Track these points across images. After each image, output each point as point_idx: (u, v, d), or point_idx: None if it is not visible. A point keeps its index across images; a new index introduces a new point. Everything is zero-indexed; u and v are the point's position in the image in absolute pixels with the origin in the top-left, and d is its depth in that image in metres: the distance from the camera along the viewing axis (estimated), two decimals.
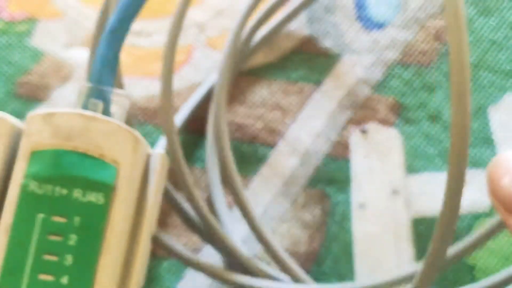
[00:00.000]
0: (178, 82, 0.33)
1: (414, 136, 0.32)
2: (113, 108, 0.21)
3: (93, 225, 0.18)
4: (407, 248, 0.30)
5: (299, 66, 0.33)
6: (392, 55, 0.34)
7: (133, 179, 0.19)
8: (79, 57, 0.34)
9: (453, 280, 0.29)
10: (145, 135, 0.32)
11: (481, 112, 0.32)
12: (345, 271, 0.29)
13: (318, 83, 0.33)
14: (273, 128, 0.32)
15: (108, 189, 0.19)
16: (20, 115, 0.32)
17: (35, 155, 0.19)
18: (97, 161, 0.19)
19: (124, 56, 0.34)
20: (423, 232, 0.30)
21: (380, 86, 0.33)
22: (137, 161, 0.19)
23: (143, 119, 0.32)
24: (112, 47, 0.21)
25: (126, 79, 0.33)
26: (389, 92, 0.33)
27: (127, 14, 0.21)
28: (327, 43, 0.34)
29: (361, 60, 0.34)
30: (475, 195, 0.31)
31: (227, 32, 0.34)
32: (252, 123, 0.32)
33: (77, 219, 0.18)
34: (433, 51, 0.34)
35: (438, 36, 0.34)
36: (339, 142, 0.32)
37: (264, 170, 0.32)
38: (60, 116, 0.19)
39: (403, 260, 0.30)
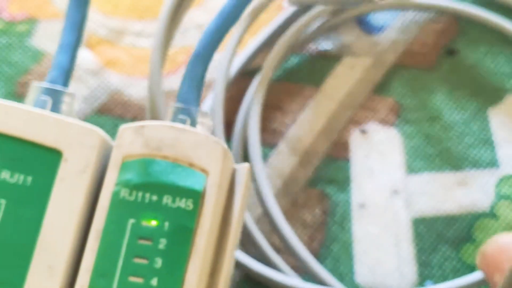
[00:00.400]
0: (178, 82, 0.33)
1: (414, 136, 0.32)
2: (198, 127, 0.22)
3: (183, 229, 0.19)
4: (407, 248, 0.30)
5: (299, 67, 0.33)
6: (392, 56, 0.34)
7: (221, 187, 0.20)
8: (79, 57, 0.34)
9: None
10: None
11: (481, 113, 0.32)
12: (345, 271, 0.29)
13: (318, 84, 0.33)
14: (273, 128, 0.32)
15: (197, 196, 0.19)
16: None
17: (126, 164, 0.19)
18: (187, 169, 0.19)
19: (124, 56, 0.34)
20: (423, 232, 0.30)
21: (380, 87, 0.33)
22: (225, 170, 0.20)
23: (143, 119, 0.32)
24: (198, 70, 0.22)
25: (127, 79, 0.33)
26: (389, 93, 0.33)
27: (212, 40, 0.22)
28: (327, 45, 0.34)
29: (361, 62, 0.34)
30: (475, 195, 0.31)
31: (227, 34, 0.34)
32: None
33: (166, 224, 0.19)
34: (433, 53, 0.34)
35: (437, 38, 0.34)
36: (339, 142, 0.32)
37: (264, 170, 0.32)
38: (151, 128, 0.20)
39: (403, 260, 0.30)
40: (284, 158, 0.32)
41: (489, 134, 0.32)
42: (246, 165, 0.21)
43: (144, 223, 0.19)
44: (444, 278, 0.29)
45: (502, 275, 0.18)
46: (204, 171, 0.19)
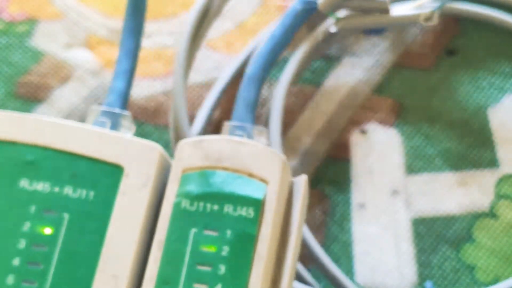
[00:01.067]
0: None
1: (414, 136, 0.32)
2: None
3: (245, 236, 0.19)
4: (407, 248, 0.30)
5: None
6: (392, 57, 0.34)
7: (281, 196, 0.20)
8: (79, 57, 0.34)
9: (453, 280, 0.29)
10: (145, 135, 0.32)
11: (481, 113, 0.32)
12: (345, 271, 0.29)
13: (318, 84, 0.33)
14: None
15: (258, 204, 0.20)
16: None
17: (186, 176, 0.20)
18: (247, 179, 0.20)
19: None
20: (423, 232, 0.30)
21: (380, 87, 0.33)
22: (283, 180, 0.20)
23: (143, 119, 0.32)
24: (251, 91, 0.23)
25: None
26: (389, 93, 0.33)
27: (264, 63, 0.23)
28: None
29: (360, 62, 0.34)
30: (475, 195, 0.31)
31: (227, 34, 0.34)
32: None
33: (228, 232, 0.19)
34: (433, 53, 0.34)
35: (437, 38, 0.34)
36: (339, 142, 0.32)
37: None
38: (210, 142, 0.20)
39: (403, 260, 0.30)
40: None
41: (489, 134, 0.32)
42: (304, 177, 0.21)
43: (206, 231, 0.19)
44: (444, 278, 0.29)
45: None
46: (263, 180, 0.20)
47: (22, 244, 0.20)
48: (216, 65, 0.34)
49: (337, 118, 0.32)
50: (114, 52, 0.34)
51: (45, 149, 0.21)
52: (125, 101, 0.24)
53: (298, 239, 0.21)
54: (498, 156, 0.32)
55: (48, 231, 0.20)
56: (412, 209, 0.31)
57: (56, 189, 0.20)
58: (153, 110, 0.33)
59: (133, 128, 0.24)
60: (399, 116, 0.32)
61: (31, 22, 0.34)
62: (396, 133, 0.32)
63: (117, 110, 0.23)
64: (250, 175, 0.20)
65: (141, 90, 0.33)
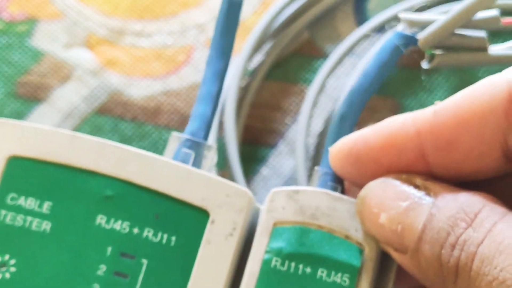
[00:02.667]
0: (178, 82, 0.33)
1: None
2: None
3: None
4: None
5: (299, 68, 0.33)
6: None
7: (377, 263, 0.19)
8: (79, 57, 0.34)
9: None
10: (145, 135, 0.32)
11: None
12: None
13: (318, 84, 0.33)
14: (273, 128, 0.32)
15: (354, 271, 0.18)
16: (20, 115, 0.32)
17: (277, 230, 0.19)
18: (343, 242, 0.18)
19: (124, 56, 0.34)
20: None
21: (380, 87, 0.33)
22: (378, 244, 0.19)
23: (143, 119, 0.32)
24: (342, 133, 0.21)
25: (126, 79, 0.33)
26: (389, 93, 0.33)
27: (358, 102, 0.22)
28: (326, 46, 0.34)
29: (360, 62, 0.34)
30: None
31: None
32: (253, 124, 0.32)
33: None
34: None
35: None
36: None
37: (264, 170, 0.32)
38: (306, 194, 0.19)
39: None
40: (284, 158, 0.32)
41: None
42: None
43: None
44: None
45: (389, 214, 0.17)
46: (360, 244, 0.19)
47: None
48: None
49: None
50: (114, 52, 0.34)
51: (127, 183, 0.19)
52: (209, 129, 0.22)
53: None
54: None
55: (124, 278, 0.18)
56: None
57: (136, 230, 0.18)
58: (153, 110, 0.33)
59: (215, 159, 0.22)
60: None
61: (31, 22, 0.34)
62: None
63: (201, 140, 0.21)
64: (347, 237, 0.19)
65: (141, 90, 0.33)
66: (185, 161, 0.20)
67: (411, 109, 0.33)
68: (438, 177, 0.18)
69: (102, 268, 0.18)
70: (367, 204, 0.18)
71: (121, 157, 0.19)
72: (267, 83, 0.33)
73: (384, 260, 0.19)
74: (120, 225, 0.18)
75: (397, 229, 0.17)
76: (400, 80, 0.33)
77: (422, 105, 0.33)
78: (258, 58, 0.33)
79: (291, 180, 0.31)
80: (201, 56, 0.34)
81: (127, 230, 0.18)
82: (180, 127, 0.32)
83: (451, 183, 0.18)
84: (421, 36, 0.24)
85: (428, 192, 0.17)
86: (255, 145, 0.32)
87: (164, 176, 0.19)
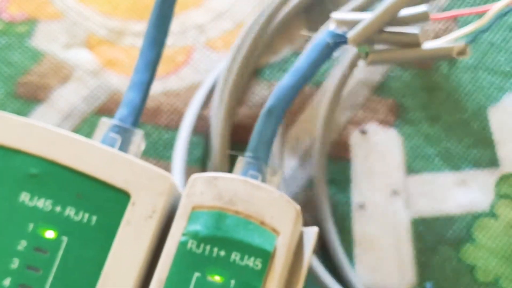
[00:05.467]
0: (178, 83, 0.33)
1: (414, 136, 0.32)
2: (267, 184, 0.21)
3: None
4: (407, 248, 0.30)
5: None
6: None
7: (290, 249, 0.19)
8: (79, 57, 0.34)
9: (453, 280, 0.29)
10: (145, 135, 0.32)
11: (481, 112, 0.32)
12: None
13: (317, 84, 0.33)
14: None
15: (267, 256, 0.19)
16: (20, 115, 0.32)
17: (195, 214, 0.19)
18: (258, 228, 0.19)
19: (124, 57, 0.34)
20: (423, 232, 0.30)
21: (380, 87, 0.33)
22: (296, 232, 0.19)
23: (142, 119, 0.32)
24: (269, 126, 0.22)
25: (126, 79, 0.33)
26: (389, 93, 0.33)
27: (285, 97, 0.22)
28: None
29: (361, 62, 0.34)
30: (474, 195, 0.31)
31: (227, 34, 0.34)
32: (252, 124, 0.32)
33: (232, 282, 0.18)
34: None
35: (437, 38, 0.34)
36: (339, 143, 0.32)
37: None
38: (225, 181, 0.19)
39: (403, 261, 0.30)
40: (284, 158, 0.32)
41: (489, 134, 0.32)
42: (315, 229, 0.20)
43: (210, 278, 0.18)
44: (444, 278, 0.29)
45: None
46: (275, 231, 0.19)
47: (15, 264, 0.18)
48: (216, 65, 0.34)
49: (337, 118, 0.32)
50: (114, 52, 0.34)
51: (52, 163, 0.19)
52: (138, 116, 0.23)
53: None
54: (498, 155, 0.32)
55: (44, 253, 0.18)
56: (412, 209, 0.31)
57: (58, 209, 0.19)
58: (153, 110, 0.33)
59: (143, 146, 0.23)
60: (399, 116, 0.32)
61: (31, 22, 0.34)
62: (396, 133, 0.32)
63: (129, 126, 0.22)
64: (262, 223, 0.19)
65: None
66: (111, 145, 0.21)
67: (411, 109, 0.33)
68: None
69: (23, 243, 0.18)
70: None
71: (47, 137, 0.19)
72: (267, 83, 0.33)
73: (298, 251, 0.20)
74: (43, 203, 0.19)
75: None
76: (400, 80, 0.33)
77: (422, 106, 0.33)
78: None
79: (291, 180, 0.31)
80: (201, 56, 0.34)
81: (49, 208, 0.19)
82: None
83: None
84: (350, 34, 0.24)
85: None
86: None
87: (89, 157, 0.19)
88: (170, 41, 0.34)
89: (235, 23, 0.35)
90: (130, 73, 0.33)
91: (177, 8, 0.35)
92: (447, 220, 0.30)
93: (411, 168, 0.31)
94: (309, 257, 0.20)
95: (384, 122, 0.32)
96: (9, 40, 0.34)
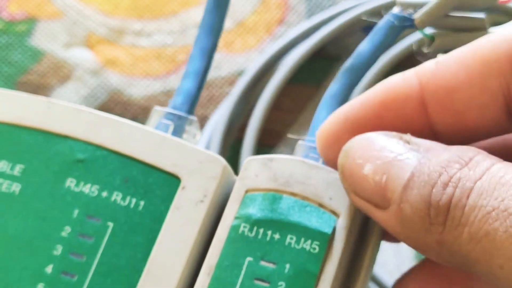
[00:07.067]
0: (178, 82, 0.33)
1: None
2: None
3: (305, 274, 0.17)
4: (407, 248, 0.30)
5: (299, 67, 0.33)
6: (392, 57, 0.34)
7: (351, 232, 0.18)
8: (79, 57, 0.34)
9: None
10: None
11: None
12: None
13: (318, 84, 0.33)
14: (273, 128, 0.32)
15: (325, 238, 0.17)
16: None
17: (249, 197, 0.18)
18: (315, 209, 0.18)
19: (124, 56, 0.34)
20: None
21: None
22: (357, 214, 0.18)
23: (143, 118, 0.32)
24: (330, 111, 0.20)
25: (126, 79, 0.33)
26: None
27: (349, 81, 0.21)
28: (327, 46, 0.34)
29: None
30: None
31: (227, 33, 0.34)
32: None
33: (287, 266, 0.17)
34: (433, 54, 0.34)
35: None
36: None
37: None
38: (281, 162, 0.18)
39: (403, 260, 0.30)
40: None
41: None
42: None
43: (263, 262, 0.17)
44: None
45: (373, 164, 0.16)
46: (334, 213, 0.18)
47: (58, 250, 0.18)
48: (216, 64, 0.34)
49: None
50: (114, 52, 0.34)
51: (99, 148, 0.19)
52: (193, 104, 0.21)
53: (366, 280, 0.18)
54: None
55: (88, 239, 0.18)
56: None
57: (104, 194, 0.18)
58: None
59: (199, 134, 0.22)
60: None
61: (31, 21, 0.34)
62: None
63: (183, 113, 0.21)
64: (321, 205, 0.18)
65: (141, 90, 0.33)
66: (164, 131, 0.20)
67: None
68: (438, 134, 0.17)
69: (67, 229, 0.18)
70: (351, 156, 0.17)
71: (94, 122, 0.19)
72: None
73: (362, 229, 0.18)
74: (89, 189, 0.18)
75: (382, 180, 0.16)
76: None
77: None
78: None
79: None
80: None
81: (95, 193, 0.18)
82: None
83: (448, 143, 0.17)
84: (417, 16, 0.24)
85: (418, 147, 0.16)
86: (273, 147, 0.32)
87: (136, 141, 0.19)
88: (170, 40, 0.34)
89: (235, 22, 0.35)
90: (130, 73, 0.33)
91: (177, 7, 0.35)
92: None
93: None
94: (375, 243, 0.19)
95: None
96: (9, 39, 0.34)
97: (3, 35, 0.34)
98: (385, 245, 0.30)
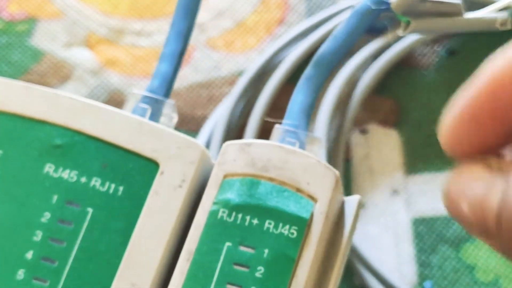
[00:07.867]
0: (178, 82, 0.33)
1: (414, 136, 0.32)
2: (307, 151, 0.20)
3: (283, 258, 0.17)
4: (407, 248, 0.30)
5: (299, 67, 0.33)
6: (392, 57, 0.34)
7: (329, 217, 0.18)
8: (79, 57, 0.34)
9: (453, 280, 0.29)
10: None
11: None
12: (345, 271, 0.29)
13: None
14: (273, 128, 0.32)
15: (303, 223, 0.18)
16: None
17: (227, 182, 0.18)
18: (293, 195, 0.18)
19: (124, 56, 0.34)
20: (423, 232, 0.30)
21: (380, 87, 0.33)
22: (335, 199, 0.18)
23: None
24: (309, 94, 0.21)
25: (126, 79, 0.33)
26: (389, 93, 0.33)
27: (325, 64, 0.21)
28: None
29: (361, 62, 0.34)
30: None
31: (227, 33, 0.34)
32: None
33: (266, 251, 0.17)
34: (433, 54, 0.34)
35: (437, 39, 0.34)
36: None
37: None
38: (258, 147, 0.18)
39: (403, 260, 0.30)
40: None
41: None
42: (357, 197, 0.19)
43: (242, 247, 0.17)
44: (444, 278, 0.29)
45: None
46: (312, 198, 0.18)
47: (38, 236, 0.18)
48: (216, 64, 0.34)
49: (338, 119, 0.32)
50: (114, 52, 0.34)
51: (77, 133, 0.19)
52: (170, 87, 0.22)
53: (342, 265, 0.19)
54: None
55: (68, 225, 0.18)
56: (412, 209, 0.31)
57: (83, 180, 0.18)
58: None
59: (176, 117, 0.22)
60: (399, 116, 0.32)
61: (31, 21, 0.34)
62: (396, 133, 0.32)
63: (160, 97, 0.21)
64: (298, 190, 0.18)
65: (141, 89, 0.33)
66: (141, 116, 0.20)
67: (411, 109, 0.33)
68: None
69: (46, 215, 0.18)
70: (450, 197, 0.17)
71: (73, 107, 0.19)
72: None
73: (339, 214, 0.19)
74: (68, 174, 0.18)
75: (479, 214, 0.16)
76: (400, 80, 0.33)
77: (422, 105, 0.33)
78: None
79: None
80: (201, 56, 0.34)
81: (74, 179, 0.18)
82: (180, 127, 0.32)
83: None
84: (394, 0, 0.24)
85: (502, 173, 0.16)
86: None
87: (114, 126, 0.19)
88: None
89: (235, 22, 0.35)
90: (130, 72, 0.33)
91: None
92: (447, 220, 0.30)
93: (411, 168, 0.31)
94: (351, 227, 0.19)
95: (384, 122, 0.32)
96: (9, 39, 0.34)
97: (3, 35, 0.34)
98: (385, 245, 0.30)
